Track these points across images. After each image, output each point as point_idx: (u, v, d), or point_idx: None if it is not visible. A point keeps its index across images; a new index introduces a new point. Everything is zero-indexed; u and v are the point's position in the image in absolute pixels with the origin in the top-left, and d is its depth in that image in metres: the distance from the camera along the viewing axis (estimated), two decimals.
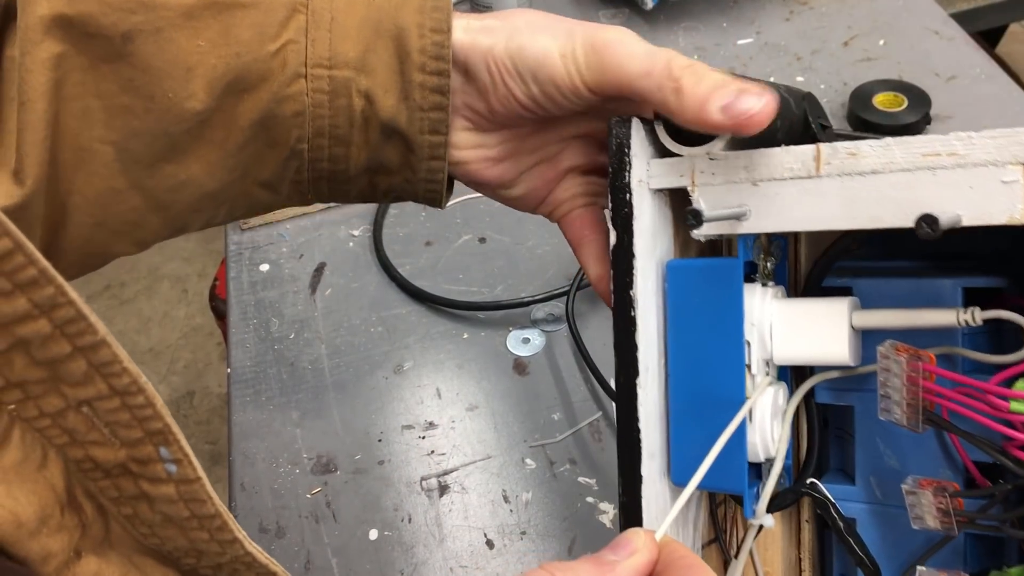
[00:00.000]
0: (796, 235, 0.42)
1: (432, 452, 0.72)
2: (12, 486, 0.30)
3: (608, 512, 0.68)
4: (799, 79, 0.94)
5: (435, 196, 0.46)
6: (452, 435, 0.73)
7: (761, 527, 0.39)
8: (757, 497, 0.39)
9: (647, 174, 0.37)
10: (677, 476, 0.38)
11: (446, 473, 0.71)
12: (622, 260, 0.36)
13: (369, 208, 0.93)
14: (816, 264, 0.40)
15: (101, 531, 0.34)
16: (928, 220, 0.31)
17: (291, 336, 0.82)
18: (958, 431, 0.35)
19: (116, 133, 0.40)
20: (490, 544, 0.67)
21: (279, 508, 0.70)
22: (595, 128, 0.44)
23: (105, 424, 0.32)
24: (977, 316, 0.35)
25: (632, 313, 0.36)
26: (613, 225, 0.37)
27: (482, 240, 0.88)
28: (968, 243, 0.38)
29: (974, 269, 0.38)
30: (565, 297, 0.79)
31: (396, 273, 0.85)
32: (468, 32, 0.42)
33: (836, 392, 0.41)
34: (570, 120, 0.44)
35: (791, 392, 0.41)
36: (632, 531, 0.33)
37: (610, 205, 0.37)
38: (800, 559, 0.44)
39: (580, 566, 0.32)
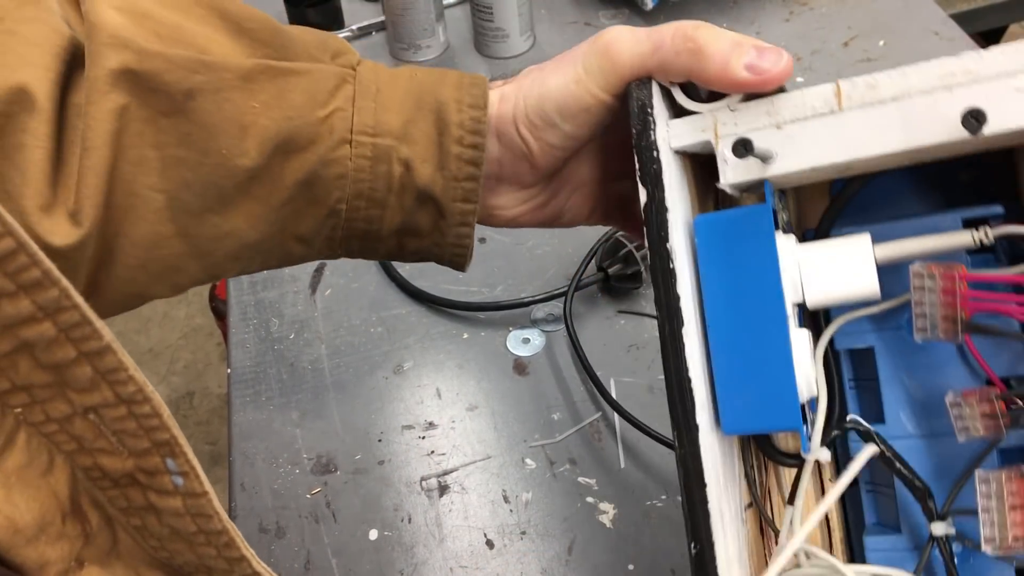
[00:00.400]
0: (783, 189, 0.43)
1: (432, 452, 0.72)
2: (12, 491, 0.30)
3: (608, 512, 0.68)
4: (799, 80, 0.94)
5: (461, 260, 0.49)
6: (452, 435, 0.73)
7: (814, 463, 0.40)
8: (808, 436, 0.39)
9: (668, 134, 0.38)
10: (728, 424, 0.38)
11: (446, 473, 0.71)
12: (655, 215, 0.37)
13: None
14: (826, 212, 0.41)
15: (108, 541, 0.34)
16: (975, 114, 0.33)
17: (291, 336, 0.82)
18: (1001, 331, 0.37)
19: (169, 183, 0.41)
20: (490, 544, 0.67)
21: (279, 508, 0.70)
22: (620, 134, 0.45)
23: (112, 432, 0.32)
24: (990, 234, 0.37)
25: (671, 265, 0.37)
26: (642, 183, 0.37)
27: (482, 240, 0.88)
28: (958, 179, 0.41)
29: (969, 201, 0.40)
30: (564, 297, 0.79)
31: (396, 273, 0.85)
32: (491, 106, 0.44)
33: (854, 335, 0.42)
34: (599, 137, 0.45)
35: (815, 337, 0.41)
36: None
37: (637, 166, 0.38)
38: (828, 518, 0.44)
39: None
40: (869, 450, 0.40)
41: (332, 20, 1.12)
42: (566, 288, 0.79)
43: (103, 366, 0.31)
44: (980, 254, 0.39)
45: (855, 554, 0.44)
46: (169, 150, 0.41)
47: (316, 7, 1.10)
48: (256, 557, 0.37)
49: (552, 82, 0.42)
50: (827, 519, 0.44)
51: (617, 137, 0.45)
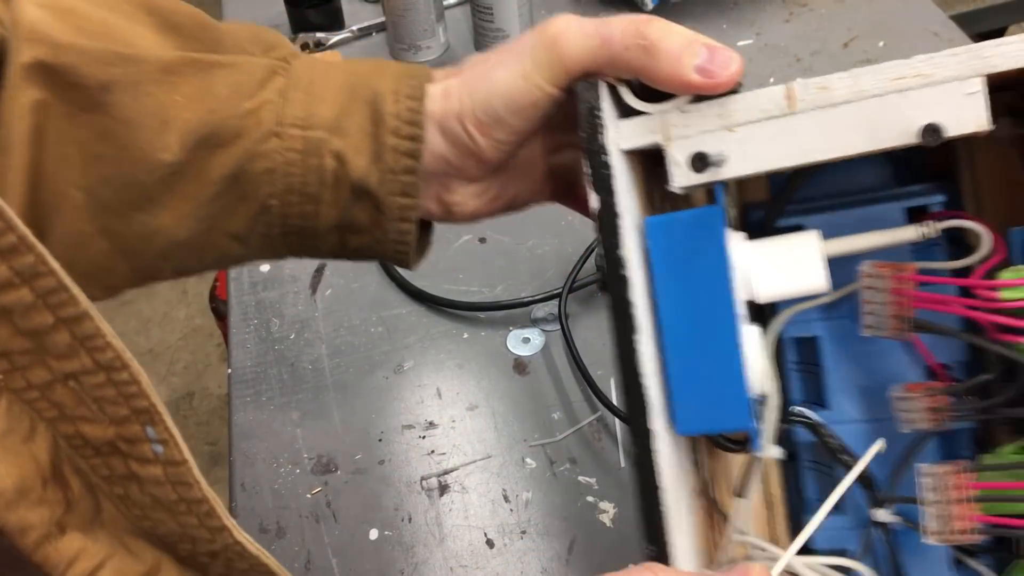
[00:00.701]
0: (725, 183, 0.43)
1: (432, 452, 0.73)
2: None
3: (608, 511, 0.68)
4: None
5: (404, 257, 0.47)
6: (452, 435, 0.74)
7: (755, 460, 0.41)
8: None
9: (617, 135, 0.38)
10: (682, 426, 0.38)
11: (446, 473, 0.71)
12: (608, 222, 0.37)
13: None
14: (771, 205, 0.41)
15: (90, 509, 0.34)
16: (932, 129, 0.34)
17: (291, 336, 0.82)
18: (944, 329, 0.38)
19: (89, 179, 0.41)
20: (490, 543, 0.67)
21: (279, 508, 0.70)
22: (567, 115, 0.45)
23: (93, 400, 0.32)
24: (935, 228, 0.38)
25: (624, 272, 0.37)
26: (593, 189, 0.37)
27: (482, 240, 0.88)
28: (901, 168, 0.42)
29: (912, 192, 0.41)
30: (582, 288, 0.79)
31: (396, 273, 0.85)
32: (434, 100, 0.43)
33: (800, 325, 0.43)
34: (546, 124, 0.44)
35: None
36: (750, 564, 0.35)
37: (587, 171, 0.37)
38: (771, 494, 0.45)
39: (688, 572, 0.33)
40: (877, 446, 0.41)
41: (332, 21, 1.12)
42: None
43: (81, 332, 0.31)
44: (923, 244, 0.40)
45: (796, 532, 0.45)
46: (89, 146, 0.40)
47: (316, 8, 1.10)
48: (238, 528, 0.37)
49: (499, 77, 0.41)
50: (770, 499, 0.45)
51: (559, 113, 0.44)
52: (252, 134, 0.42)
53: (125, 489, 0.35)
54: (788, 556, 0.39)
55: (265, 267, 0.89)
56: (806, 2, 1.07)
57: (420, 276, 0.85)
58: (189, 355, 2.10)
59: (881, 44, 0.99)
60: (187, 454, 0.34)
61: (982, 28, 1.44)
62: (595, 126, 0.37)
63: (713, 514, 0.44)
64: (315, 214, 0.45)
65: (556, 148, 0.47)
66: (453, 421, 0.74)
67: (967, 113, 0.34)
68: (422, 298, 0.83)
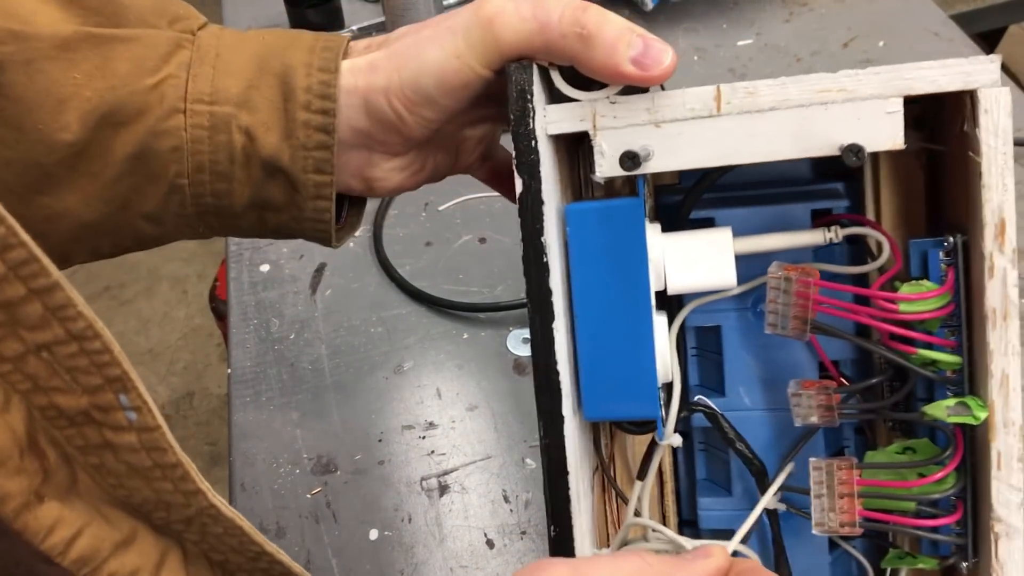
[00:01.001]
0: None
1: (432, 452, 0.73)
2: None
3: None
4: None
5: (324, 235, 0.46)
6: (452, 435, 0.74)
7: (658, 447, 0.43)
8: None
9: (544, 120, 0.38)
10: (589, 411, 0.40)
11: (446, 473, 0.71)
12: (531, 207, 0.37)
13: (369, 208, 0.93)
14: (686, 197, 0.42)
15: (67, 479, 0.34)
16: (854, 149, 0.35)
17: (291, 336, 0.82)
18: (841, 335, 0.40)
19: None
20: (490, 544, 0.67)
21: (279, 508, 0.70)
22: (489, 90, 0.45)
23: (65, 370, 0.32)
24: (839, 233, 0.40)
25: (545, 259, 0.37)
26: (519, 172, 0.37)
27: (482, 240, 0.88)
28: (810, 165, 0.44)
29: (818, 194, 0.43)
30: None
31: (396, 274, 0.85)
32: (357, 75, 0.42)
33: (703, 314, 0.44)
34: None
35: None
36: (708, 544, 0.37)
37: (514, 154, 0.37)
38: (661, 473, 0.47)
39: (666, 558, 0.35)
40: (787, 469, 0.42)
41: (332, 20, 1.12)
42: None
43: (53, 302, 0.30)
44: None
45: (684, 510, 0.48)
46: None
47: (316, 7, 1.10)
48: (212, 491, 0.37)
49: (430, 55, 0.40)
50: (661, 475, 0.47)
51: (484, 89, 0.44)
52: (155, 111, 0.41)
53: (100, 458, 0.35)
54: (735, 542, 0.40)
55: (265, 267, 0.89)
56: (806, 2, 1.07)
57: (420, 276, 0.85)
58: (189, 355, 2.10)
59: (881, 44, 0.99)
60: (160, 420, 0.34)
61: (982, 28, 1.44)
62: (525, 110, 0.37)
63: (607, 489, 0.46)
64: (228, 192, 0.44)
65: (473, 121, 0.47)
66: (453, 421, 0.74)
67: (884, 131, 0.35)
68: (422, 298, 0.83)
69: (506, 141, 0.51)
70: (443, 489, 0.70)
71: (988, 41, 1.61)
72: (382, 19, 1.10)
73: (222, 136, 0.42)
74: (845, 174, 0.44)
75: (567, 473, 0.38)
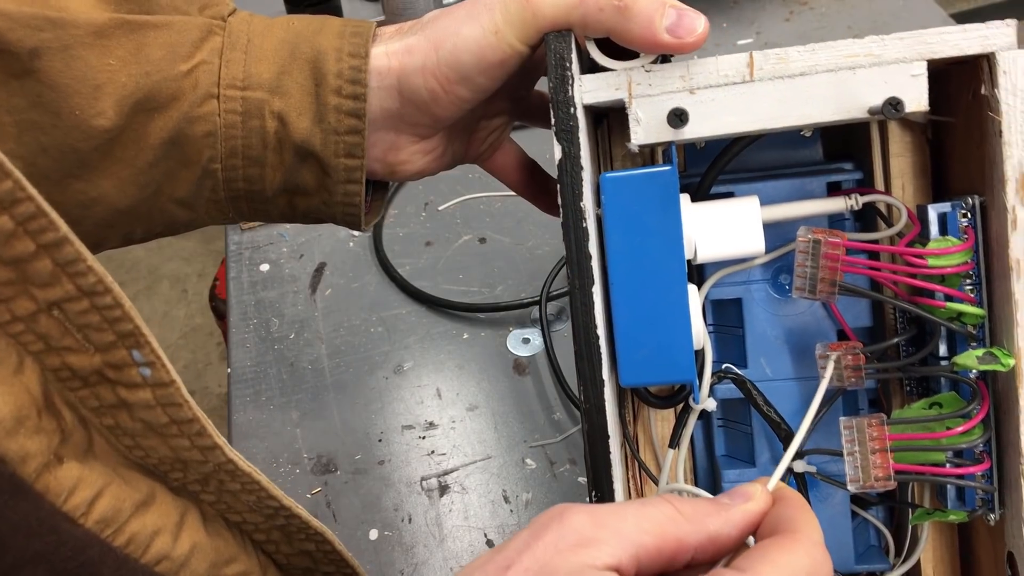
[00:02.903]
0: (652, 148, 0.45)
1: (432, 452, 0.72)
2: None
3: None
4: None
5: (354, 219, 0.47)
6: (452, 435, 0.73)
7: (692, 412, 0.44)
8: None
9: (580, 89, 0.39)
10: (626, 377, 0.40)
11: (446, 473, 0.71)
12: (570, 173, 0.38)
13: None
14: (709, 170, 0.43)
15: (83, 441, 0.34)
16: (893, 102, 0.36)
17: (291, 336, 0.82)
18: (869, 294, 0.42)
19: (25, 148, 0.40)
20: (490, 544, 0.67)
21: None
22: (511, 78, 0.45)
23: (77, 328, 0.32)
24: (860, 200, 0.42)
25: (584, 224, 0.38)
26: (558, 139, 0.38)
27: (482, 240, 0.88)
28: (818, 148, 0.46)
29: (831, 170, 0.45)
30: (558, 298, 0.79)
31: (396, 273, 0.85)
32: (393, 57, 0.42)
33: (724, 287, 0.45)
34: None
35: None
36: (748, 483, 0.34)
37: (553, 121, 0.38)
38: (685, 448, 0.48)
39: (698, 502, 0.32)
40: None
41: None
42: (566, 288, 0.79)
43: (62, 258, 0.30)
44: (837, 216, 0.44)
45: (699, 482, 0.49)
46: (22, 114, 0.39)
47: (316, 7, 1.10)
48: (229, 445, 0.37)
49: (468, 32, 0.40)
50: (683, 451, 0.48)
51: (508, 80, 0.44)
52: (189, 96, 0.42)
53: (115, 419, 0.34)
54: (779, 472, 0.38)
55: (265, 267, 0.89)
56: (806, 1, 1.07)
57: (420, 276, 0.85)
58: (189, 354, 2.10)
59: None
60: (175, 375, 0.34)
61: None
62: (564, 78, 0.38)
63: (631, 463, 0.47)
64: (260, 177, 0.44)
65: (492, 113, 0.48)
66: (453, 421, 0.74)
67: (910, 93, 0.37)
68: (422, 298, 0.83)
69: (518, 137, 0.51)
70: (443, 489, 0.70)
71: None
72: (382, 18, 1.10)
73: (255, 121, 0.42)
74: (853, 155, 0.45)
75: (608, 437, 0.38)
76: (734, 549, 0.32)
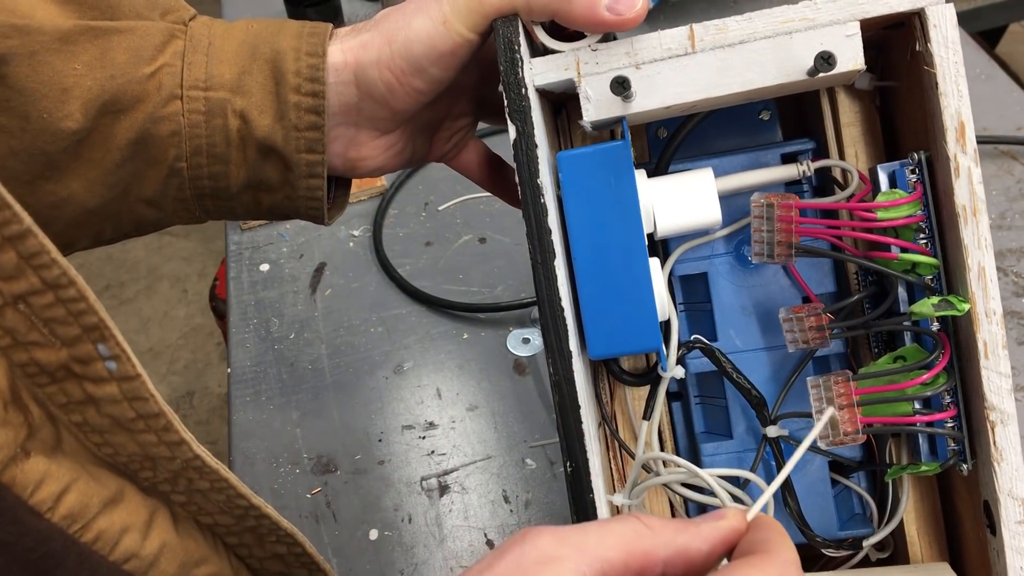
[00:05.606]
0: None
1: (432, 452, 0.72)
2: None
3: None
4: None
5: (317, 213, 0.48)
6: (452, 435, 0.73)
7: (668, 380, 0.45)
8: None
9: (531, 72, 0.40)
10: (595, 349, 0.41)
11: (446, 473, 0.71)
12: (525, 151, 0.39)
13: (369, 208, 0.93)
14: (665, 148, 0.45)
15: (51, 437, 0.34)
16: (824, 56, 0.38)
17: (291, 336, 0.82)
18: (826, 253, 0.43)
19: None
20: (490, 544, 0.67)
21: (279, 508, 0.70)
22: (471, 76, 0.46)
23: (43, 323, 0.32)
24: (811, 166, 0.44)
25: (542, 200, 0.39)
26: (511, 120, 0.39)
27: (482, 240, 0.88)
28: (758, 118, 0.47)
29: (768, 136, 0.47)
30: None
31: (396, 273, 0.85)
32: (348, 52, 0.44)
33: (690, 263, 0.46)
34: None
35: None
36: (725, 508, 0.34)
37: (505, 102, 0.39)
38: (661, 432, 0.49)
39: (668, 520, 0.32)
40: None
41: (332, 19, 1.12)
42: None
43: (26, 250, 0.30)
44: (792, 185, 0.45)
45: (683, 456, 0.49)
46: None
47: (316, 7, 1.10)
48: (196, 441, 0.37)
49: (418, 24, 0.42)
50: (661, 435, 0.49)
51: (468, 79, 0.45)
52: (153, 98, 0.43)
53: (83, 415, 0.35)
54: (756, 509, 0.37)
55: (265, 267, 0.89)
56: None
57: (420, 276, 0.85)
58: (189, 354, 2.10)
59: None
60: (139, 368, 0.34)
61: (982, 27, 1.44)
62: (514, 60, 0.39)
63: (611, 444, 0.48)
64: (225, 174, 0.46)
65: (456, 115, 0.49)
66: (453, 422, 0.74)
67: (846, 52, 0.38)
68: (422, 298, 0.83)
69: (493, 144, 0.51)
70: (443, 489, 0.70)
71: (989, 40, 1.61)
72: None
73: (218, 120, 0.44)
74: (811, 133, 0.47)
75: (579, 407, 0.39)
76: (707, 567, 0.32)
